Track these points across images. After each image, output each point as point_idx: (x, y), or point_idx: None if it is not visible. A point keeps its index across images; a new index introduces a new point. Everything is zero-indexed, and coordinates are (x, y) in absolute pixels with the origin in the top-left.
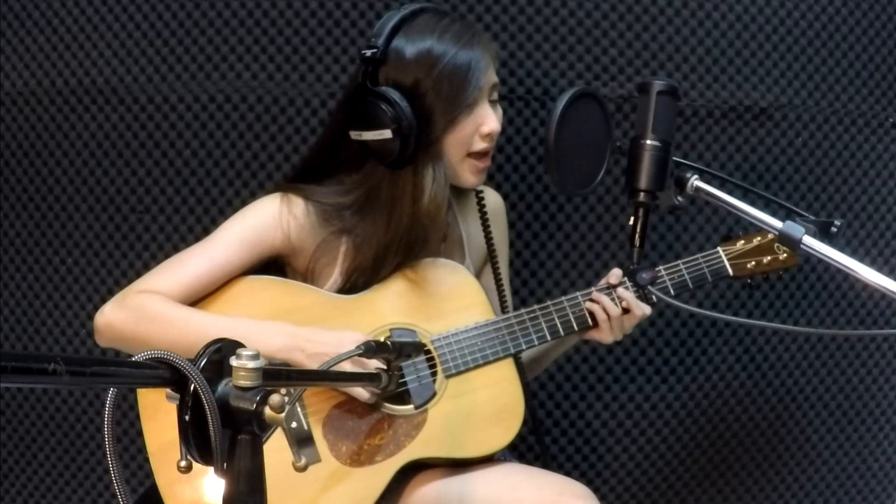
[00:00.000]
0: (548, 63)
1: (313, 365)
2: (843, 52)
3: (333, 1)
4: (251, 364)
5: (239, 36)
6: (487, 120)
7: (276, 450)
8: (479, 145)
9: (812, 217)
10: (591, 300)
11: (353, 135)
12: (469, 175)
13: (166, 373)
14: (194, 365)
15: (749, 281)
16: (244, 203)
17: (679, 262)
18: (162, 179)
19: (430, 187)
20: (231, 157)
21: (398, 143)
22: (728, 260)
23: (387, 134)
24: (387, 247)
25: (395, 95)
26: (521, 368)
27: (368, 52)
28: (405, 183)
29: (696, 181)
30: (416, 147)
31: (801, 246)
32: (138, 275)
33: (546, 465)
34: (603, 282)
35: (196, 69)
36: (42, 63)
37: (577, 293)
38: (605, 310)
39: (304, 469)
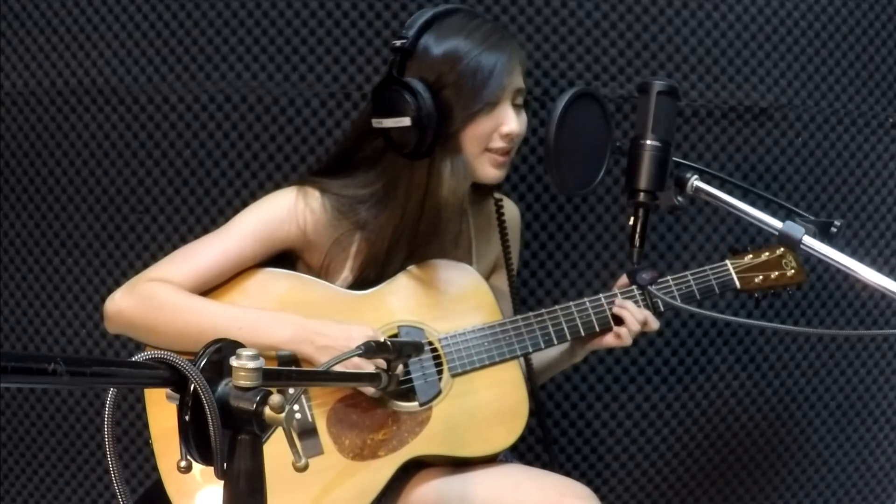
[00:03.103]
0: (548, 63)
1: (321, 357)
2: (843, 52)
3: (333, 1)
4: (251, 364)
5: (239, 36)
6: (508, 121)
7: (278, 441)
8: (498, 143)
9: (812, 217)
10: (618, 305)
11: (375, 122)
12: (489, 167)
13: (166, 373)
14: (194, 365)
15: (756, 295)
16: (244, 203)
17: (687, 272)
18: (162, 179)
19: (448, 179)
20: (231, 157)
21: (416, 132)
22: (736, 273)
23: (405, 122)
24: (398, 237)
25: (418, 86)
26: (531, 372)
27: (398, 43)
28: (420, 175)
29: (696, 181)
30: (435, 139)
31: (801, 246)
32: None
33: (547, 466)
34: (615, 289)
35: (196, 69)
36: (42, 63)
37: (585, 299)
38: (632, 313)
39: (303, 469)
